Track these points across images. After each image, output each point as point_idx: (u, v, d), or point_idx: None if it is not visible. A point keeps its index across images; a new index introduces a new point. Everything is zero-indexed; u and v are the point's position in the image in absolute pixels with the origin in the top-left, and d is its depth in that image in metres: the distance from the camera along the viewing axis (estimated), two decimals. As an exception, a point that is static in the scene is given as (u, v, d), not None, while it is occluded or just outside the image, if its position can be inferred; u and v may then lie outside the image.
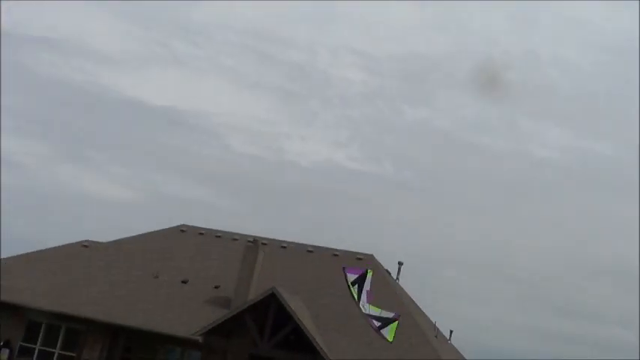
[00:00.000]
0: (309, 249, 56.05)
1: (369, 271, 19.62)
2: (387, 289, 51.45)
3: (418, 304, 56.19)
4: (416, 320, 48.38)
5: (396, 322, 18.11)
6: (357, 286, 18.77)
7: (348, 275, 18.89)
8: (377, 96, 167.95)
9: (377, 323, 18.08)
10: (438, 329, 52.83)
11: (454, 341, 56.86)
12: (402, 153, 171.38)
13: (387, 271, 55.46)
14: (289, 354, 45.42)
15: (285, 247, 55.85)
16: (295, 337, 44.82)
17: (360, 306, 18.23)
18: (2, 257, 54.52)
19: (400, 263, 56.49)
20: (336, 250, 55.86)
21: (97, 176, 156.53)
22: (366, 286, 18.63)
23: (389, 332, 17.55)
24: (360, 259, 54.45)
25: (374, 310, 18.20)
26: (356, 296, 18.35)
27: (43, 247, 56.08)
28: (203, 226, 59.67)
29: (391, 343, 16.86)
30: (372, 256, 55.12)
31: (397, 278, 55.85)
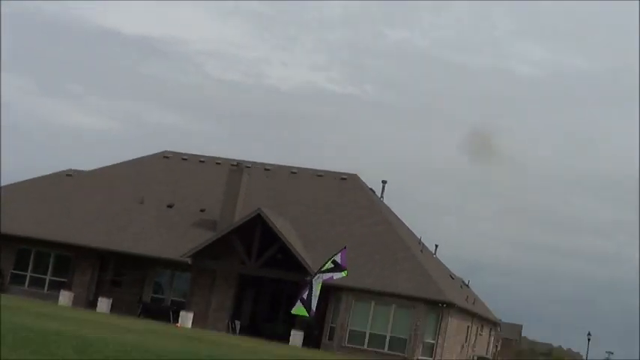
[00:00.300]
0: (293, 170, 56.47)
1: (318, 285, 21.00)
2: (372, 207, 52.21)
3: (403, 221, 56.99)
4: (401, 236, 49.21)
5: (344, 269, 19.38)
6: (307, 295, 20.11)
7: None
8: (357, 18, 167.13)
9: (329, 275, 19.18)
10: (423, 244, 53.73)
11: (439, 255, 57.91)
12: (382, 74, 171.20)
13: (371, 189, 56.08)
14: (277, 272, 46.26)
15: (268, 170, 56.24)
16: (282, 256, 45.59)
17: (314, 280, 19.48)
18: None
19: (384, 182, 57.13)
20: (320, 170, 56.30)
21: (77, 108, 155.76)
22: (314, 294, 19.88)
23: (343, 274, 18.61)
24: (344, 179, 55.01)
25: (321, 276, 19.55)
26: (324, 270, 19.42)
27: (27, 177, 56.22)
28: (186, 151, 59.87)
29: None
30: (356, 175, 55.66)
31: (382, 196, 56.52)
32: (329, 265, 21.05)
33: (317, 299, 21.63)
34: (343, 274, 20.98)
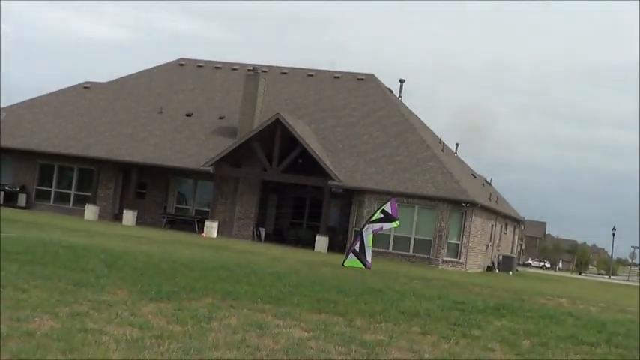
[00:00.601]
0: (310, 73, 56.00)
1: (370, 237, 19.98)
2: (390, 107, 51.79)
3: (422, 120, 56.63)
4: (421, 136, 48.89)
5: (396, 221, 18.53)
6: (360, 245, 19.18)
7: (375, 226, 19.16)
8: None
9: (379, 226, 18.38)
10: (443, 143, 53.46)
11: (460, 154, 57.68)
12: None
13: (389, 89, 55.61)
14: (299, 178, 46.23)
15: (285, 73, 55.80)
16: (303, 161, 45.48)
17: (364, 231, 18.61)
18: (5, 106, 54.66)
19: (402, 81, 56.61)
20: (337, 72, 55.83)
21: (88, 17, 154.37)
22: (366, 243, 19.03)
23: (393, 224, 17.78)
24: (361, 79, 54.54)
25: (371, 228, 18.70)
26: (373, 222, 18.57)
27: (44, 93, 56.05)
28: (201, 58, 59.45)
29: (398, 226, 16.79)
30: (373, 75, 55.16)
31: (400, 96, 56.04)
32: (378, 215, 20.21)
33: (371, 250, 20.77)
34: (394, 224, 20.15)
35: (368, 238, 19.48)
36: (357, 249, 20.10)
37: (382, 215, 19.54)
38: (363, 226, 20.42)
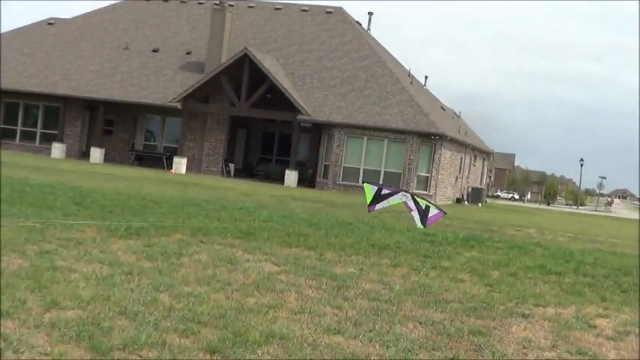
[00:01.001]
0: (277, 6, 55.43)
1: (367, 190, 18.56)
2: (359, 40, 51.45)
3: (392, 53, 56.37)
4: (390, 69, 48.69)
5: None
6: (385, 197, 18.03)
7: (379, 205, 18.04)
8: None
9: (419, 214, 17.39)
10: (412, 76, 53.32)
11: (429, 87, 57.60)
12: None
13: (357, 22, 55.20)
14: (268, 112, 46.04)
15: (252, 7, 55.18)
16: (272, 95, 45.24)
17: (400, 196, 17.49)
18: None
19: (370, 13, 56.24)
20: (304, 5, 55.30)
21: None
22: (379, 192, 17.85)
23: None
24: (329, 12, 54.07)
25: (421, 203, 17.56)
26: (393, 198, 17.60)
27: (6, 30, 55.16)
28: (167, -8, 58.61)
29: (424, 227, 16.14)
30: (341, 8, 54.68)
31: (368, 29, 55.70)
32: (424, 204, 18.89)
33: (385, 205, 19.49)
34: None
35: (394, 201, 18.51)
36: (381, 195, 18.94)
37: (423, 207, 18.53)
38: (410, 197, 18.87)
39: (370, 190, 18.01)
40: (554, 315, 9.52)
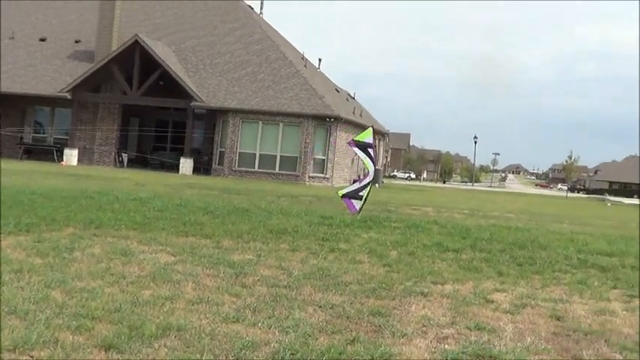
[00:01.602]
0: (167, -8, 54.63)
1: (367, 130, 17.90)
2: (251, 24, 51.19)
3: (285, 37, 56.23)
4: (284, 53, 48.59)
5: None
6: (365, 152, 17.38)
7: (355, 149, 17.40)
8: None
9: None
10: (306, 59, 53.31)
11: (323, 69, 57.69)
12: None
13: (249, 6, 54.89)
14: (160, 100, 45.46)
15: (141, -6, 54.27)
16: (165, 82, 44.69)
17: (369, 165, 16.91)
18: None
19: (261, -3, 55.99)
20: (195, -10, 54.67)
21: None
22: (369, 142, 17.39)
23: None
24: (220, -3, 53.59)
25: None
26: (368, 161, 17.03)
27: None
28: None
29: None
30: (232, -7, 54.30)
31: (260, 13, 55.46)
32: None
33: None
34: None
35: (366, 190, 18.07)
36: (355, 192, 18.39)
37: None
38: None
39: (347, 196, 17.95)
40: (452, 292, 9.61)
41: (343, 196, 18.16)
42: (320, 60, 57.57)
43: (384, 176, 68.04)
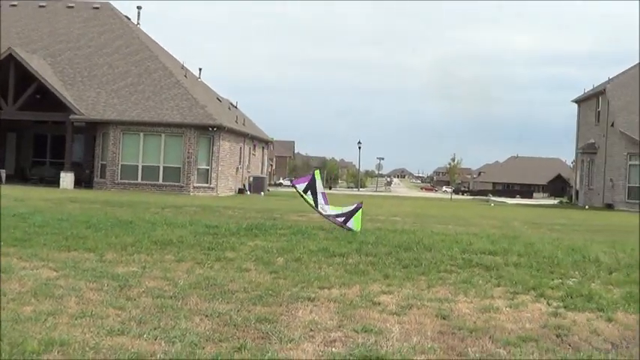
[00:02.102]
0: (41, 4, 53.44)
1: (316, 172, 17.71)
2: (129, 35, 50.56)
3: (164, 47, 55.72)
4: (163, 63, 48.17)
5: (360, 210, 16.72)
6: (309, 192, 17.11)
7: (297, 186, 17.15)
8: None
9: (341, 220, 16.74)
10: (186, 69, 52.96)
11: (204, 79, 57.40)
12: None
13: (127, 17, 54.19)
14: (38, 114, 44.46)
15: (15, 6, 52.97)
16: (42, 96, 43.75)
17: (320, 209, 16.65)
18: None
19: (139, 8, 55.34)
20: (70, 1, 53.64)
21: None
22: (319, 188, 17.10)
23: (354, 223, 16.29)
24: (96, 8, 52.76)
25: (335, 210, 16.90)
26: (312, 203, 16.78)
27: None
28: None
29: (359, 230, 15.68)
30: (108, 4, 53.54)
31: (138, 23, 54.82)
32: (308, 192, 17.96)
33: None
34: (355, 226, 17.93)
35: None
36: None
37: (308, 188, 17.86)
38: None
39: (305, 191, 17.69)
40: (339, 296, 9.68)
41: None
42: (200, 70, 57.34)
43: (269, 184, 68.14)
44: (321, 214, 17.57)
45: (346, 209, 17.80)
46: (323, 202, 17.76)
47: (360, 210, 17.73)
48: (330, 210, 17.71)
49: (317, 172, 18.44)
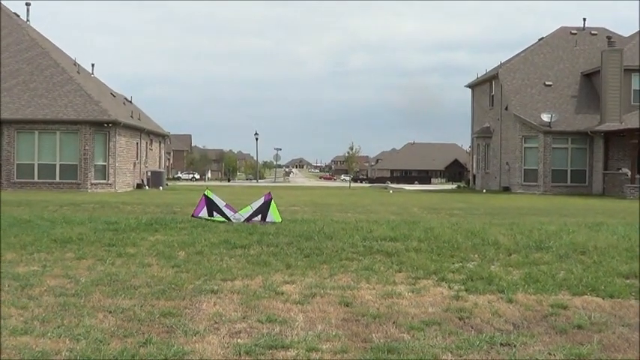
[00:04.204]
0: None
1: (207, 192, 17.37)
2: (19, 32, 49.48)
3: (55, 44, 54.69)
4: (55, 59, 47.28)
5: (271, 201, 16.43)
6: (214, 213, 16.82)
7: (201, 215, 16.78)
8: None
9: (258, 217, 16.42)
10: (79, 65, 52.10)
11: (97, 75, 56.60)
12: None
13: (15, 14, 52.98)
14: None
15: None
16: None
17: (234, 220, 16.30)
18: None
19: (28, 4, 54.16)
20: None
21: None
22: (219, 203, 16.86)
23: (274, 216, 16.00)
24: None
25: (246, 212, 16.61)
26: (224, 219, 16.45)
27: None
28: None
29: (281, 221, 15.40)
30: (-5, -1, 52.26)
31: (27, 20, 53.67)
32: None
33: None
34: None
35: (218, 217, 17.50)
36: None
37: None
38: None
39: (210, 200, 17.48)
40: (242, 287, 9.77)
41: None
42: (93, 65, 56.49)
43: (168, 178, 67.63)
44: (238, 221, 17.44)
45: (256, 205, 17.89)
46: (232, 212, 17.82)
47: (272, 200, 17.86)
48: (242, 214, 17.77)
49: (207, 191, 18.49)
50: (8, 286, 9.54)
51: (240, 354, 6.72)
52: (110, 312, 8.16)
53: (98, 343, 6.89)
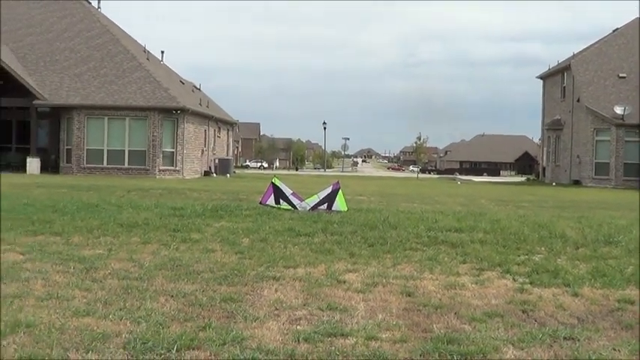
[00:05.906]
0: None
1: (274, 179, 17.34)
2: (90, 19, 50.21)
3: (125, 30, 55.36)
4: (125, 46, 47.87)
5: (339, 190, 16.42)
6: (281, 201, 16.80)
7: (268, 203, 16.78)
8: None
9: (324, 206, 16.45)
10: (148, 52, 52.65)
11: (167, 62, 57.13)
12: None
13: (87, 1, 53.74)
14: (2, 100, 44.04)
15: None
16: (5, 82, 43.30)
17: (300, 209, 16.32)
18: None
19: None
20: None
21: None
22: (287, 191, 16.87)
23: (340, 205, 16.05)
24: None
25: (313, 200, 16.66)
26: (291, 207, 16.51)
27: None
28: None
29: (347, 210, 15.49)
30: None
31: (99, 7, 54.44)
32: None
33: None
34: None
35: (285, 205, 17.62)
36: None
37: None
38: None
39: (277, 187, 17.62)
40: (304, 275, 9.75)
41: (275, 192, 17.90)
42: (163, 52, 57.01)
43: (236, 166, 68.03)
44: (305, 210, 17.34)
45: (323, 193, 17.84)
46: (298, 201, 17.80)
47: (340, 190, 17.80)
48: (308, 202, 17.73)
49: (275, 178, 18.48)
50: (73, 268, 9.67)
51: (299, 341, 6.69)
52: (172, 296, 8.21)
53: (158, 326, 6.92)
